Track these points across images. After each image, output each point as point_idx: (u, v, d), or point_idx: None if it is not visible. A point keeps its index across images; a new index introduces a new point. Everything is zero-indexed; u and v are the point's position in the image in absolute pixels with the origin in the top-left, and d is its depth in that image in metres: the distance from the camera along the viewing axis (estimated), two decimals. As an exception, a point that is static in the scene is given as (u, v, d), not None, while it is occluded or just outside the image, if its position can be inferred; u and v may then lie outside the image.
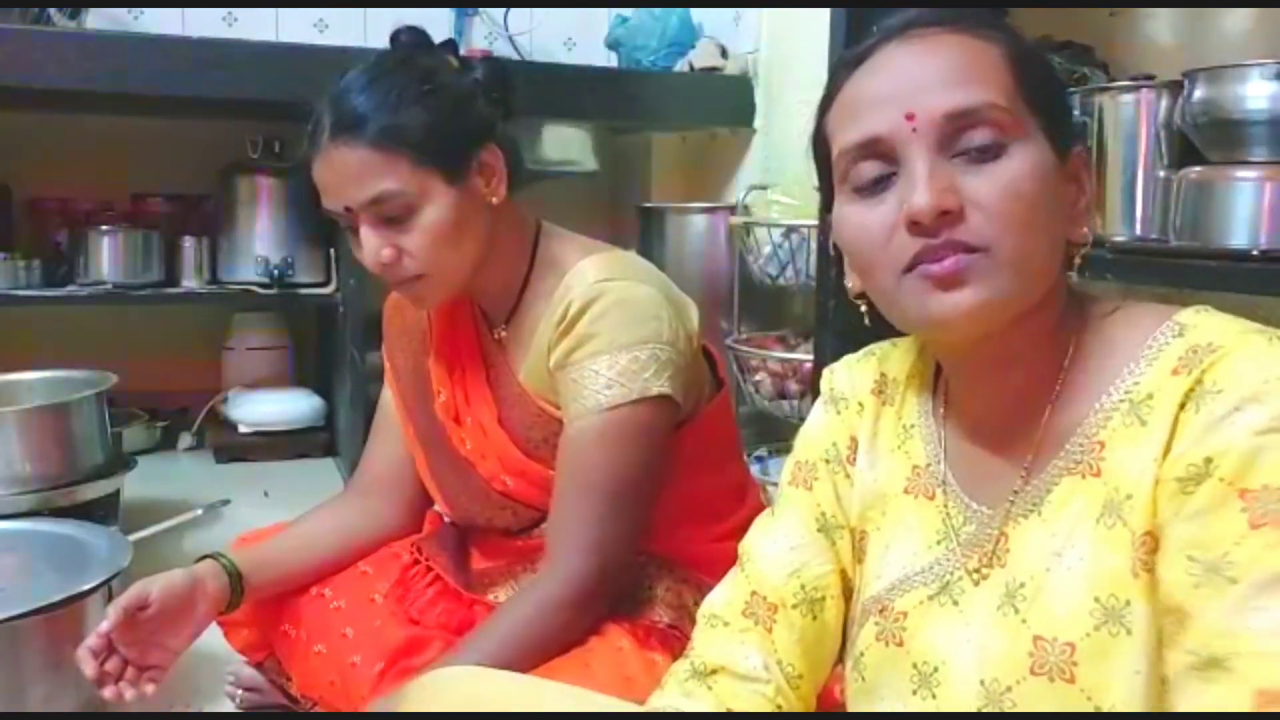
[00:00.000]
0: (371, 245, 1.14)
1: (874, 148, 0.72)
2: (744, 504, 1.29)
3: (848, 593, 0.87)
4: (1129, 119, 1.33)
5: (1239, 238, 1.16)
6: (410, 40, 1.23)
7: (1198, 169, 1.21)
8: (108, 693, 1.11)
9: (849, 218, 0.75)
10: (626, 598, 1.18)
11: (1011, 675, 0.71)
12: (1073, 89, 1.45)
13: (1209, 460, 0.63)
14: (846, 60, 0.76)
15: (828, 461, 0.88)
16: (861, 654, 0.82)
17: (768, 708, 0.84)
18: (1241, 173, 1.17)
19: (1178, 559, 0.64)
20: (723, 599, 0.89)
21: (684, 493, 1.21)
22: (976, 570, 0.76)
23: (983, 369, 0.78)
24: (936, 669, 0.76)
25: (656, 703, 0.87)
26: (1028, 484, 0.74)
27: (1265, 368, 0.64)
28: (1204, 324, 0.70)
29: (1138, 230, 1.33)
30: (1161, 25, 1.58)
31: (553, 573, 1.12)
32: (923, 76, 0.71)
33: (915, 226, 0.69)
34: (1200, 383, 0.65)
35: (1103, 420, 0.71)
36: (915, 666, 0.78)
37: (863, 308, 0.80)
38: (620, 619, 1.15)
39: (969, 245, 0.69)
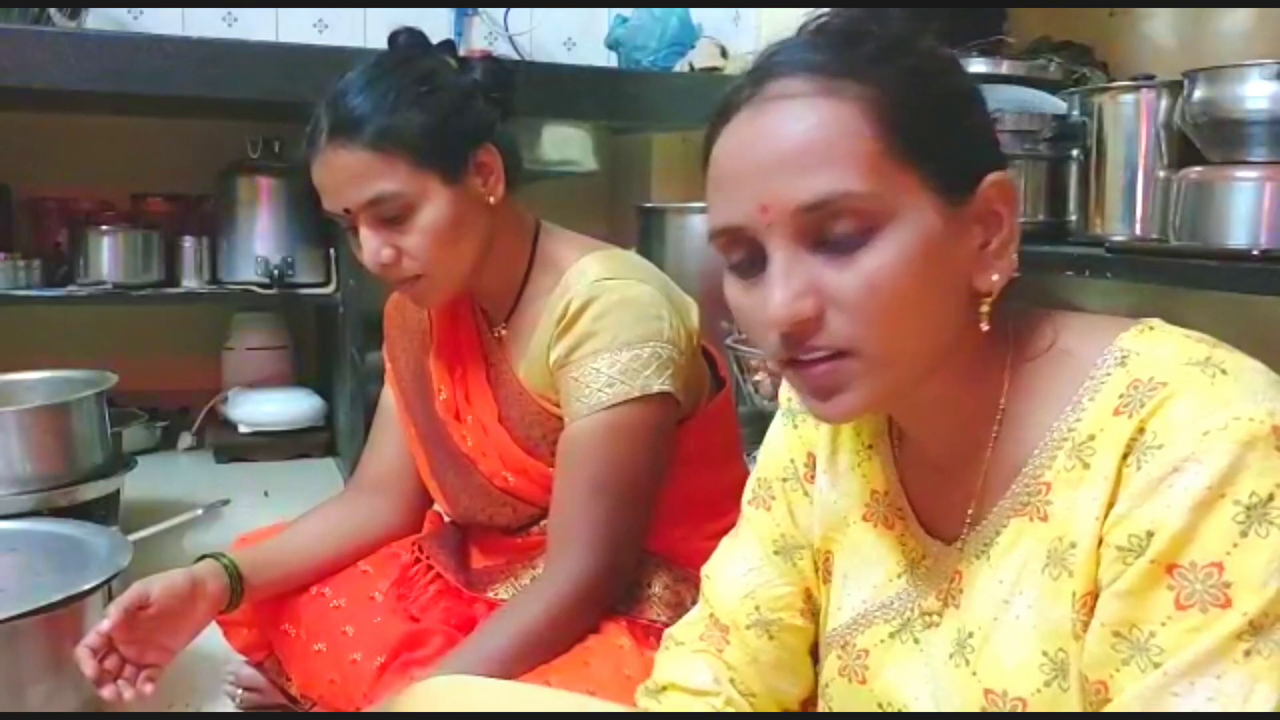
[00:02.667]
0: (371, 246, 1.15)
1: (735, 235, 0.67)
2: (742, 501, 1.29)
3: (815, 611, 0.86)
4: (1129, 119, 1.33)
5: (1239, 238, 1.16)
6: (408, 42, 1.23)
7: (1198, 169, 1.22)
8: (106, 692, 1.11)
9: (732, 298, 0.70)
10: (625, 595, 1.18)
11: None
12: (1073, 89, 1.45)
13: (1150, 534, 0.61)
14: (717, 112, 0.70)
15: (785, 480, 0.87)
16: (827, 685, 0.82)
17: (721, 680, 0.84)
18: (1241, 173, 1.17)
19: (1103, 634, 0.63)
20: (683, 623, 0.90)
21: (684, 491, 1.21)
22: (934, 611, 0.74)
23: (914, 413, 0.75)
24: (900, 710, 0.75)
25: None
26: (977, 524, 0.72)
27: (1204, 416, 0.61)
28: (1146, 351, 0.66)
29: (1137, 230, 1.33)
30: (1161, 25, 1.59)
31: (558, 571, 1.12)
32: (773, 160, 0.65)
33: (775, 332, 0.66)
34: (1142, 431, 0.62)
35: (1047, 460, 0.68)
36: (880, 705, 0.77)
37: None
38: (618, 617, 1.15)
39: (831, 351, 0.65)
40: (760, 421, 2.29)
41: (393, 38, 1.24)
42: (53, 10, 2.16)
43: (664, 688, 0.87)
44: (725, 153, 0.68)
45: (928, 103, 0.66)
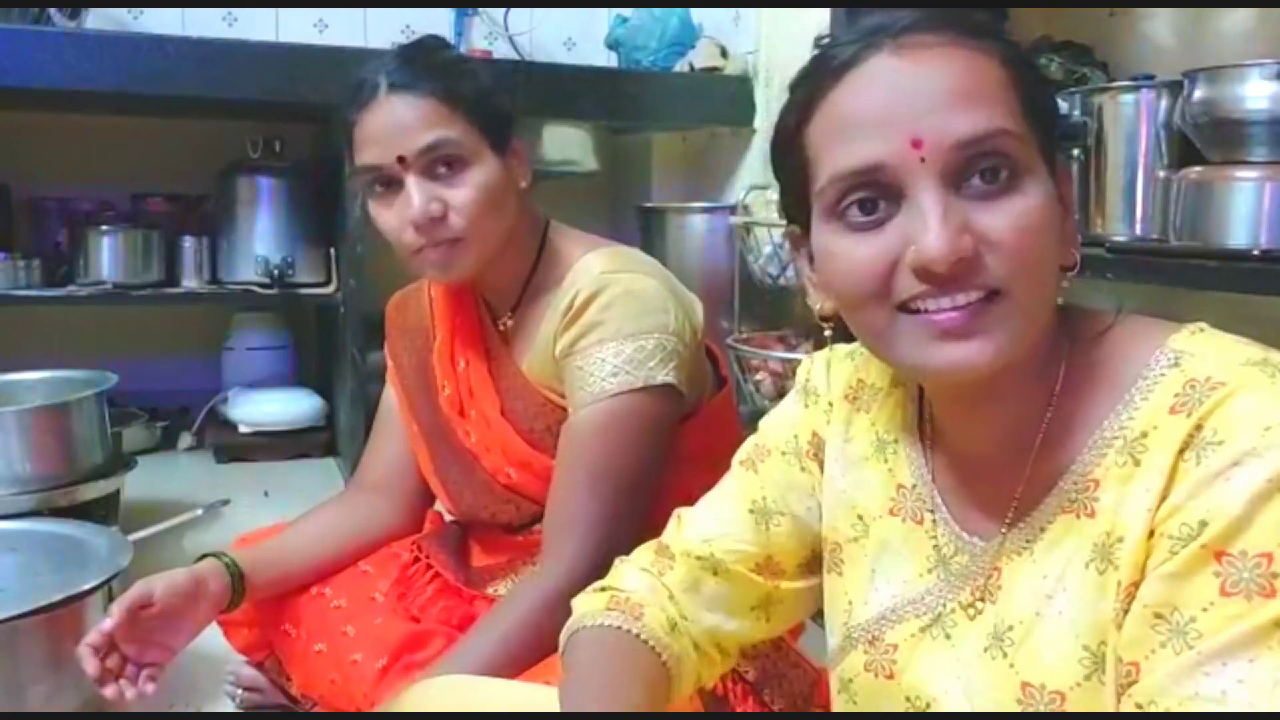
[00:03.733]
0: (421, 197, 1.14)
1: (873, 175, 0.65)
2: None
3: (773, 571, 0.86)
4: (1129, 119, 1.33)
5: (1239, 238, 1.16)
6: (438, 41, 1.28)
7: (1198, 169, 1.21)
8: (108, 691, 1.11)
9: (839, 251, 0.68)
10: None
11: None
12: (1073, 89, 1.45)
13: (1203, 523, 0.61)
14: (829, 65, 0.68)
15: (784, 453, 0.87)
16: (850, 680, 0.81)
17: (657, 593, 0.85)
18: (1241, 173, 1.17)
19: (1144, 614, 0.63)
20: (637, 550, 0.92)
21: (685, 489, 1.20)
22: (970, 605, 0.74)
23: (966, 404, 0.74)
24: (929, 704, 0.75)
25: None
26: (1020, 520, 0.72)
27: (1266, 413, 0.61)
28: (1201, 352, 0.66)
29: (1138, 230, 1.33)
30: (1161, 25, 1.59)
31: (555, 563, 1.12)
32: (927, 96, 0.64)
33: (925, 273, 0.63)
34: (1200, 428, 0.62)
35: (1097, 458, 0.68)
36: (908, 699, 0.76)
37: (827, 331, 0.77)
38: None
39: (984, 290, 0.64)
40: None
41: (420, 40, 1.27)
42: (53, 10, 2.16)
43: (601, 589, 0.88)
44: (861, 93, 0.66)
45: (1039, 78, 0.70)
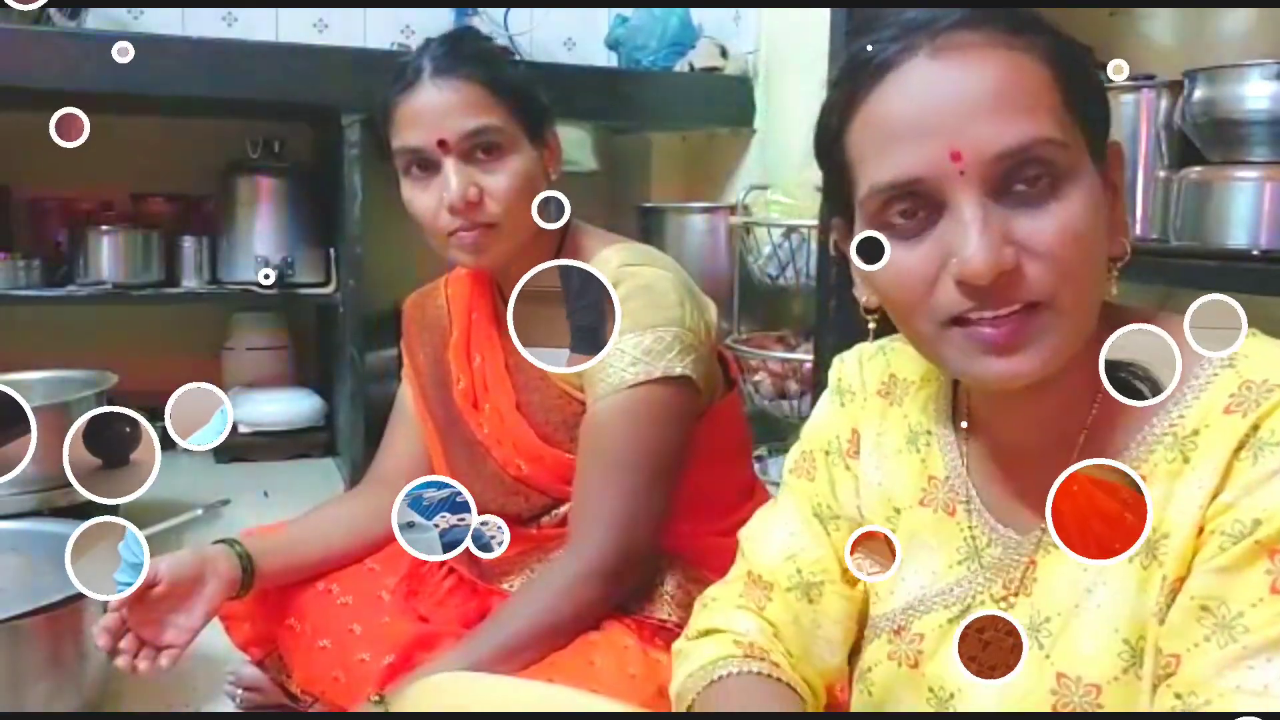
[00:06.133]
0: (460, 181, 1.16)
1: (912, 188, 0.65)
2: (751, 499, 1.30)
3: (850, 579, 0.85)
4: (1129, 119, 1.33)
5: (1239, 238, 1.16)
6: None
7: (1198, 169, 1.22)
8: (121, 662, 1.11)
9: (884, 257, 0.68)
10: (636, 594, 1.18)
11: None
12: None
13: (1257, 522, 0.61)
14: (868, 65, 0.67)
15: (827, 454, 0.87)
16: (869, 670, 0.81)
17: (765, 633, 0.84)
18: (1241, 173, 1.17)
19: (1190, 606, 0.63)
20: (720, 585, 0.90)
21: (694, 487, 1.22)
22: (1003, 599, 0.73)
23: (1010, 398, 0.73)
24: (953, 695, 0.74)
25: (672, 688, 0.87)
26: None
27: None
28: (1255, 354, 0.66)
29: (1138, 230, 1.33)
30: (1161, 25, 1.59)
31: (577, 549, 1.13)
32: (967, 104, 0.63)
33: (966, 287, 0.63)
34: (1257, 429, 0.63)
35: (1145, 454, 0.67)
36: (932, 690, 0.76)
37: (871, 324, 0.76)
38: (627, 616, 1.15)
39: (1026, 303, 0.63)
40: (760, 422, 2.30)
41: (463, 29, 1.29)
42: (53, 10, 2.16)
43: (706, 632, 0.86)
44: (899, 100, 0.65)
45: (1084, 67, 0.68)
